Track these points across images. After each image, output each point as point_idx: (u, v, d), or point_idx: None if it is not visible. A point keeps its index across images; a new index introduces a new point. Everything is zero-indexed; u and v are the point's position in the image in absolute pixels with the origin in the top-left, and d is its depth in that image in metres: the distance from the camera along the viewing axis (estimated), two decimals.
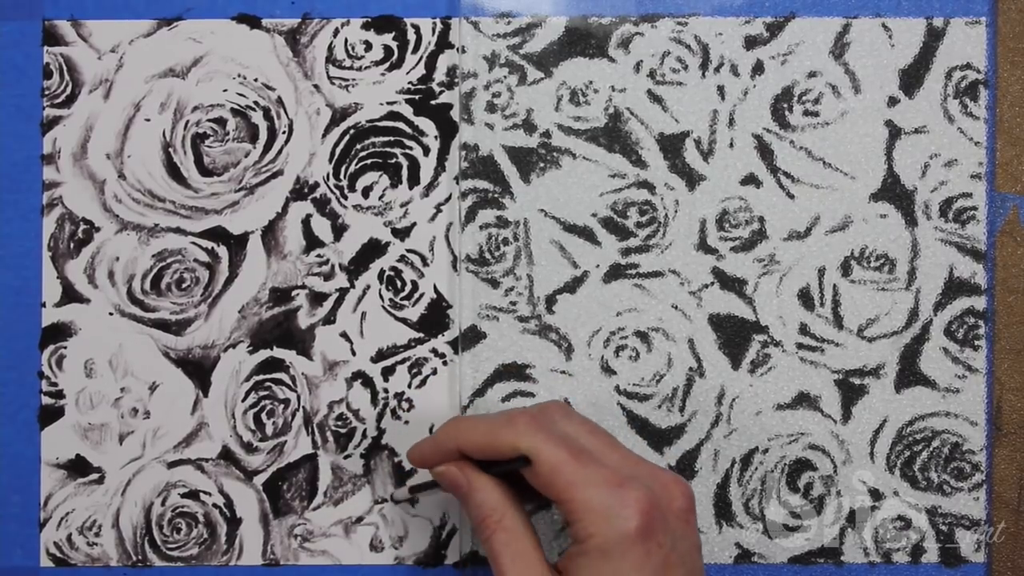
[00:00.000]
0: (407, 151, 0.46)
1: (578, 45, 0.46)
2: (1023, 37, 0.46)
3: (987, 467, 0.46)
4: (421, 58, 0.46)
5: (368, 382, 0.46)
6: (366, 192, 0.46)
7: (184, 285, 0.46)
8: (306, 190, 0.46)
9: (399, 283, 0.46)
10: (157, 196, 0.46)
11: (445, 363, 0.46)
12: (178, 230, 0.46)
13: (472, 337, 0.46)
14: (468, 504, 0.40)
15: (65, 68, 0.46)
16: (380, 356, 0.46)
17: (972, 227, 0.46)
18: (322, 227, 0.46)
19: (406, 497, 0.44)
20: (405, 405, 0.46)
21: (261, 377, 0.46)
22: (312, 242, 0.46)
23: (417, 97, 0.46)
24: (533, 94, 0.46)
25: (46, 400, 0.46)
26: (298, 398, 0.46)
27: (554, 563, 0.38)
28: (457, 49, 0.46)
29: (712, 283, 0.46)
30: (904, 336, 0.46)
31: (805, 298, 0.46)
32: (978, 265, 0.46)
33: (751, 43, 0.46)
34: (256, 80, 0.46)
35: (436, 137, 0.46)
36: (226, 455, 0.46)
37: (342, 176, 0.46)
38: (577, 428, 0.39)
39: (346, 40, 0.46)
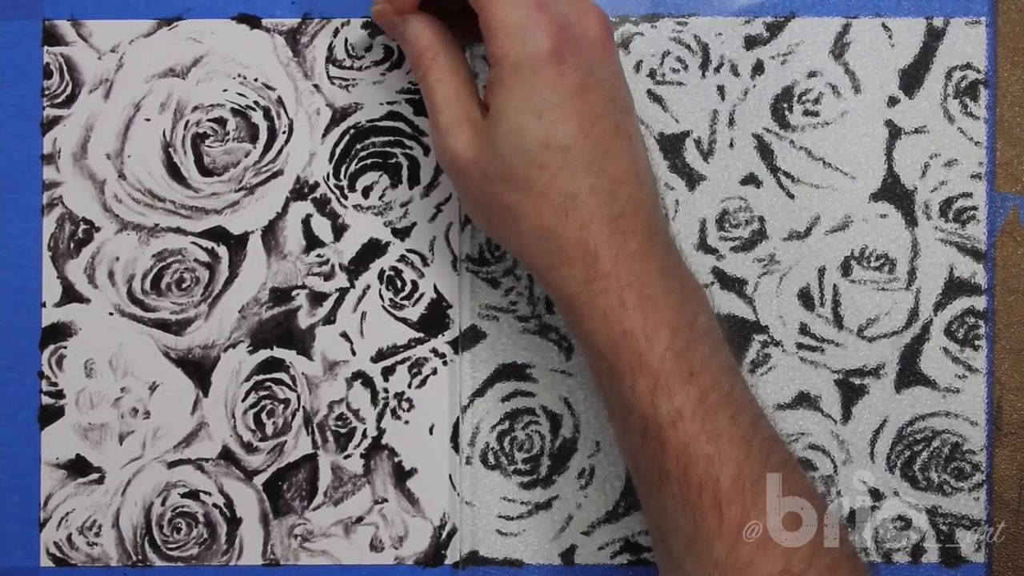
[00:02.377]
0: (407, 151, 0.46)
1: None
2: (1023, 37, 0.46)
3: (987, 467, 0.46)
4: None
5: (368, 382, 0.46)
6: (366, 192, 0.46)
7: (184, 285, 0.46)
8: (306, 190, 0.46)
9: (399, 283, 0.46)
10: (157, 196, 0.46)
11: (445, 363, 0.46)
12: (178, 230, 0.46)
13: (472, 337, 0.46)
14: (404, 41, 0.40)
15: (65, 68, 0.46)
16: (380, 356, 0.46)
17: (972, 227, 0.46)
18: (322, 227, 0.46)
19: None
20: (405, 405, 0.46)
21: (261, 377, 0.46)
22: (312, 242, 0.46)
23: (417, 97, 0.46)
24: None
25: (46, 400, 0.46)
26: (298, 398, 0.46)
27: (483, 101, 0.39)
28: None
29: (712, 283, 0.46)
30: (904, 336, 0.46)
31: (805, 298, 0.46)
32: (978, 265, 0.46)
33: (751, 43, 0.46)
34: (256, 80, 0.46)
35: None
36: (226, 455, 0.46)
37: (342, 176, 0.46)
38: None
39: (346, 40, 0.46)
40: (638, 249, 0.37)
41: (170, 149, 0.46)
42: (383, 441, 0.46)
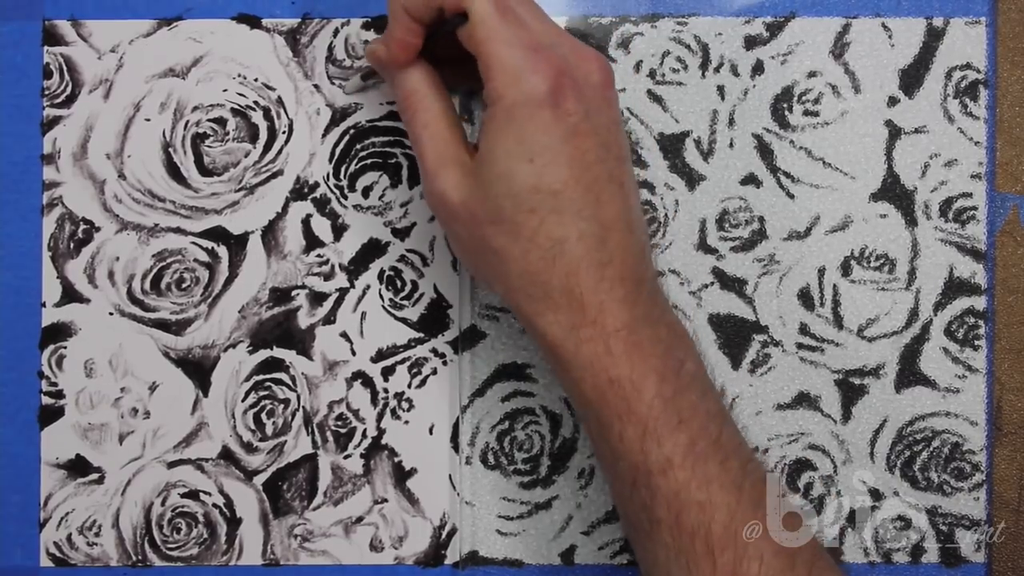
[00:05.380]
0: (407, 151, 0.46)
1: None
2: (1023, 37, 0.46)
3: (987, 467, 0.46)
4: None
5: (368, 382, 0.46)
6: (366, 192, 0.46)
7: (184, 285, 0.46)
8: (306, 190, 0.46)
9: (399, 283, 0.46)
10: (157, 196, 0.46)
11: (445, 363, 0.46)
12: (178, 230, 0.46)
13: (472, 337, 0.46)
14: (393, 85, 0.40)
15: (65, 68, 0.46)
16: (380, 356, 0.46)
17: (972, 227, 0.46)
18: (322, 227, 0.46)
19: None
20: (405, 405, 0.46)
21: (261, 377, 0.46)
22: (312, 242, 0.46)
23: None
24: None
25: (46, 400, 0.46)
26: (298, 398, 0.46)
27: (474, 143, 0.39)
28: None
29: (712, 283, 0.46)
30: (904, 336, 0.46)
31: (805, 298, 0.46)
32: (978, 265, 0.46)
33: (751, 43, 0.46)
34: (256, 80, 0.46)
35: None
36: (226, 455, 0.46)
37: (342, 176, 0.46)
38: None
39: (346, 40, 0.46)
40: (625, 297, 0.37)
41: (170, 149, 0.46)
42: (383, 441, 0.46)
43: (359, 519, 0.46)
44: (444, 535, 0.46)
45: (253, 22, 0.46)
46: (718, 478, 0.36)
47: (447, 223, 0.39)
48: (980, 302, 0.46)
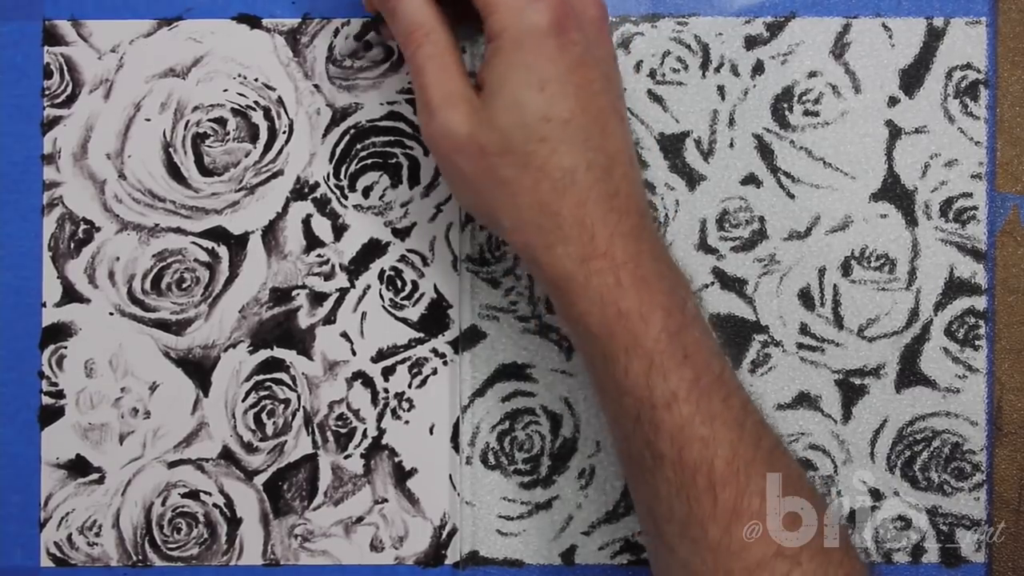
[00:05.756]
0: (407, 151, 0.46)
1: None
2: (1023, 37, 0.46)
3: (987, 467, 0.46)
4: None
5: (368, 382, 0.46)
6: (366, 192, 0.46)
7: (184, 285, 0.46)
8: (306, 190, 0.46)
9: (399, 283, 0.46)
10: (157, 196, 0.46)
11: (445, 363, 0.46)
12: (178, 230, 0.46)
13: (472, 337, 0.46)
14: (396, 18, 0.39)
15: (65, 68, 0.46)
16: (380, 356, 0.46)
17: (972, 227, 0.46)
18: (322, 227, 0.46)
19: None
20: (405, 405, 0.46)
21: (261, 377, 0.46)
22: (312, 242, 0.46)
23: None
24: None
25: (46, 400, 0.46)
26: (298, 398, 0.46)
27: (476, 80, 0.38)
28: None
29: (712, 283, 0.46)
30: (904, 336, 0.46)
31: (805, 298, 0.46)
32: (978, 265, 0.46)
33: (751, 43, 0.46)
34: (256, 80, 0.46)
35: None
36: (226, 455, 0.46)
37: (342, 176, 0.46)
38: None
39: (346, 40, 0.46)
40: (632, 230, 0.37)
41: (170, 149, 0.46)
42: (383, 441, 0.46)
43: (359, 519, 0.46)
44: (444, 535, 0.46)
45: (253, 22, 0.46)
46: (721, 414, 0.36)
47: (450, 159, 0.38)
48: (980, 302, 0.46)
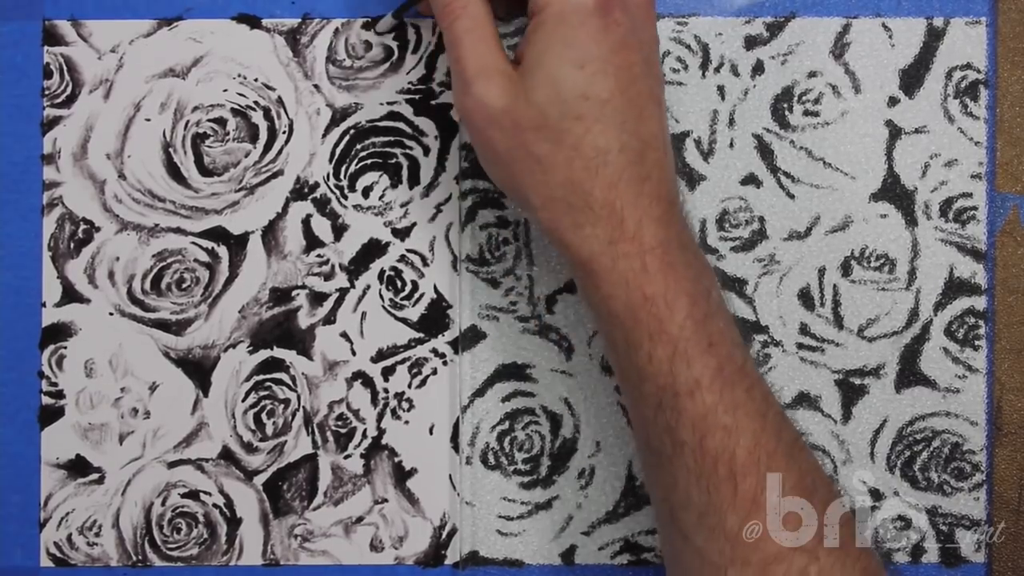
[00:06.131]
0: (407, 151, 0.46)
1: None
2: (1023, 37, 0.46)
3: (987, 467, 0.46)
4: (421, 58, 0.46)
5: (368, 382, 0.46)
6: (366, 192, 0.46)
7: (184, 285, 0.46)
8: (306, 190, 0.46)
9: (399, 283, 0.46)
10: (157, 196, 0.46)
11: (445, 363, 0.46)
12: (178, 230, 0.46)
13: (472, 337, 0.46)
14: None
15: (65, 68, 0.46)
16: (380, 356, 0.46)
17: (972, 227, 0.46)
18: (322, 227, 0.46)
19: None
20: (405, 405, 0.46)
21: (261, 377, 0.46)
22: (312, 242, 0.46)
23: (417, 97, 0.46)
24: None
25: (46, 400, 0.46)
26: (298, 398, 0.46)
27: (514, 56, 0.38)
28: None
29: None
30: (904, 336, 0.46)
31: (805, 298, 0.46)
32: (978, 265, 0.46)
33: (751, 43, 0.46)
34: (256, 80, 0.46)
35: (436, 137, 0.46)
36: (226, 455, 0.46)
37: (342, 176, 0.46)
38: None
39: (346, 40, 0.46)
40: (661, 216, 0.37)
41: (170, 149, 0.46)
42: (383, 441, 0.46)
43: (359, 519, 0.46)
44: (444, 535, 0.46)
45: (253, 22, 0.46)
46: (744, 404, 0.36)
47: (483, 131, 0.38)
48: (980, 302, 0.46)
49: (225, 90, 0.46)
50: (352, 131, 0.46)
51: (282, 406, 0.46)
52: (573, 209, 0.37)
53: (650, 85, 0.38)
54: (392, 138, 0.46)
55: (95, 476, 0.46)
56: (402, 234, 0.46)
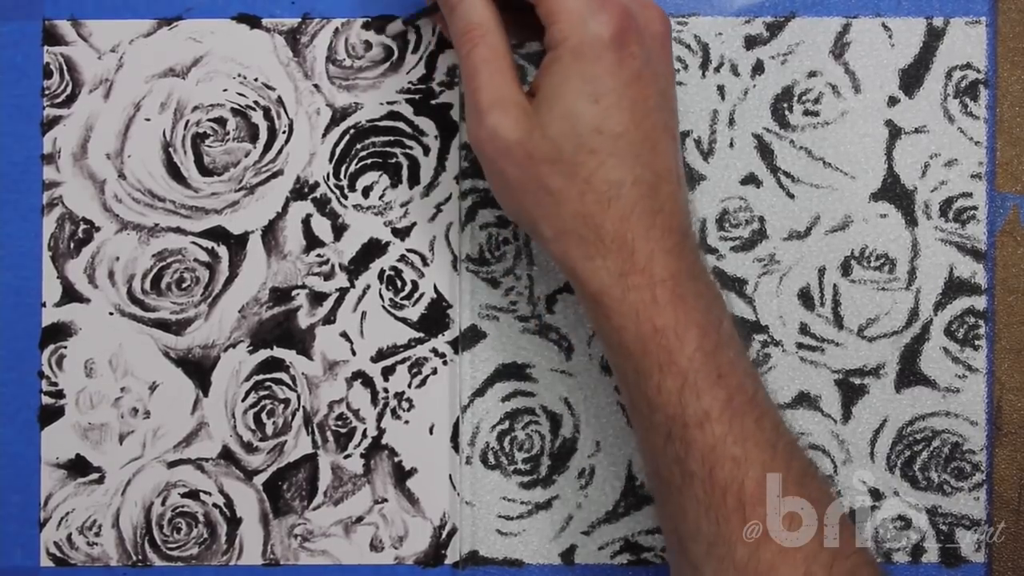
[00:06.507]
0: (407, 151, 0.46)
1: None
2: (1023, 37, 0.46)
3: (987, 467, 0.46)
4: (421, 58, 0.46)
5: (368, 382, 0.46)
6: (366, 192, 0.46)
7: (184, 285, 0.46)
8: (306, 190, 0.46)
9: (399, 283, 0.46)
10: (157, 196, 0.46)
11: (445, 363, 0.46)
12: (178, 230, 0.46)
13: (472, 337, 0.46)
14: (455, 15, 0.39)
15: (65, 68, 0.46)
16: (380, 356, 0.46)
17: (972, 227, 0.46)
18: (322, 227, 0.46)
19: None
20: (405, 405, 0.46)
21: (261, 377, 0.46)
22: (312, 242, 0.46)
23: (417, 97, 0.46)
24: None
25: (46, 400, 0.46)
26: (298, 398, 0.46)
27: (528, 87, 0.38)
28: None
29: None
30: (904, 336, 0.46)
31: (805, 298, 0.46)
32: (978, 265, 0.46)
33: (751, 43, 0.46)
34: (256, 80, 0.46)
35: (436, 137, 0.46)
36: (226, 455, 0.46)
37: (342, 176, 0.46)
38: None
39: (346, 40, 0.46)
40: (673, 247, 0.37)
41: (170, 149, 0.46)
42: (383, 441, 0.46)
43: (359, 519, 0.46)
44: (444, 535, 0.46)
45: (253, 22, 0.46)
46: (753, 435, 0.36)
47: (496, 162, 0.38)
48: (980, 302, 0.46)
49: (225, 90, 0.46)
50: (352, 131, 0.46)
51: (282, 406, 0.46)
52: (584, 241, 0.37)
53: (665, 118, 0.38)
54: (392, 138, 0.46)
55: (95, 476, 0.46)
56: (402, 234, 0.46)
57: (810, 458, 0.38)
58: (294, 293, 0.46)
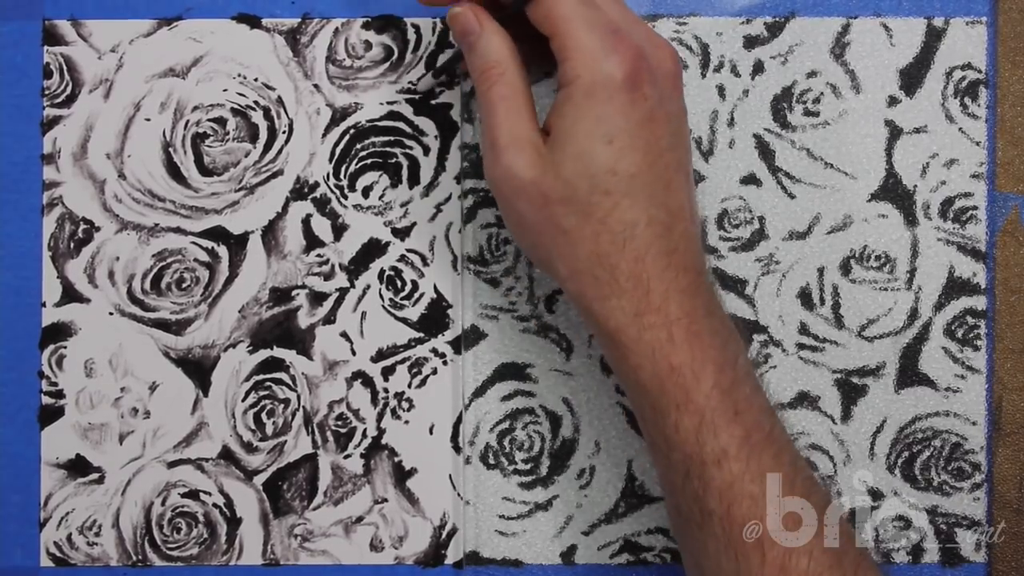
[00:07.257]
0: (407, 151, 0.46)
1: None
2: (1023, 37, 0.46)
3: (987, 467, 0.46)
4: (421, 58, 0.46)
5: (368, 382, 0.46)
6: (366, 192, 0.46)
7: (184, 285, 0.46)
8: (306, 190, 0.46)
9: (399, 283, 0.46)
10: (157, 196, 0.46)
11: (445, 363, 0.46)
12: (178, 230, 0.46)
13: (472, 337, 0.46)
14: (474, 52, 0.39)
15: (65, 68, 0.46)
16: (380, 356, 0.46)
17: (972, 227, 0.46)
18: (322, 227, 0.46)
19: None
20: (405, 405, 0.46)
21: (261, 377, 0.46)
22: (312, 242, 0.46)
23: (417, 97, 0.46)
24: (533, 93, 0.46)
25: (46, 400, 0.46)
26: (298, 398, 0.46)
27: (543, 125, 0.39)
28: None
29: (712, 283, 0.46)
30: (904, 336, 0.46)
31: (805, 298, 0.46)
32: (978, 265, 0.46)
33: (751, 43, 0.46)
34: (256, 80, 0.46)
35: (436, 137, 0.46)
36: (226, 455, 0.46)
37: (342, 176, 0.46)
38: None
39: (346, 40, 0.46)
40: (688, 286, 0.37)
41: (170, 149, 0.46)
42: (383, 441, 0.46)
43: (359, 519, 0.46)
44: (444, 535, 0.46)
45: (253, 22, 0.46)
46: (771, 472, 0.36)
47: (511, 201, 0.38)
48: (980, 302, 0.46)
49: (225, 90, 0.46)
50: (352, 131, 0.46)
51: (282, 406, 0.46)
52: (599, 281, 0.37)
53: (678, 157, 0.38)
54: (392, 138, 0.46)
55: (95, 476, 0.46)
56: (402, 234, 0.46)
57: (828, 491, 0.38)
58: (294, 293, 0.46)
